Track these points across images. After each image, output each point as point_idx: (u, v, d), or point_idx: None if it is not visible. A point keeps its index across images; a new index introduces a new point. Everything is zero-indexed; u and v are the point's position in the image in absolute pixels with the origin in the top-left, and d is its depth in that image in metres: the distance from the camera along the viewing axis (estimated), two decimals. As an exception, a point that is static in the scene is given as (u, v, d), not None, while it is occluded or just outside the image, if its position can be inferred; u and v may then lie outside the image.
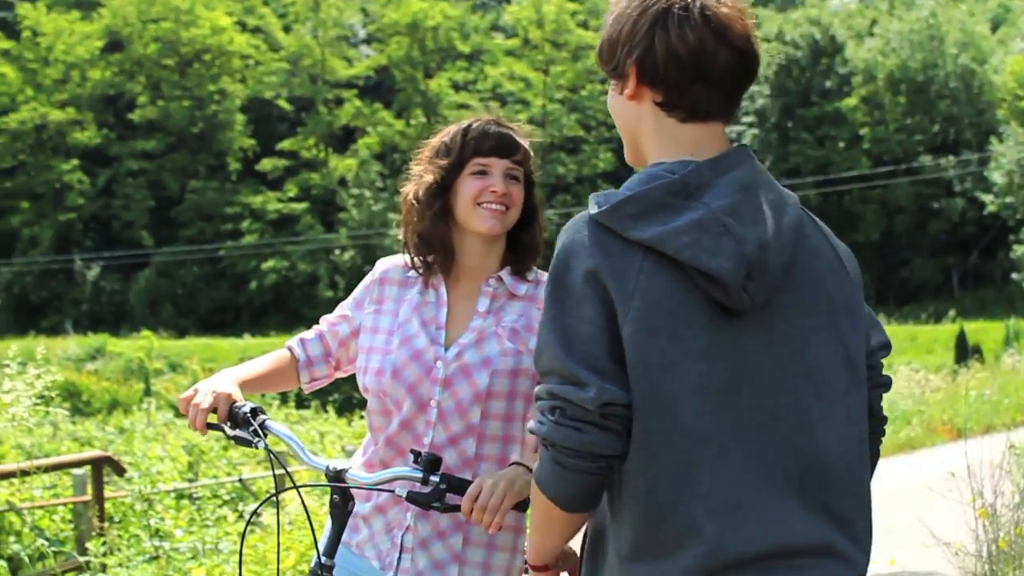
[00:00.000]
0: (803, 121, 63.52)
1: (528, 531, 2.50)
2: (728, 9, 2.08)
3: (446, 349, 2.93)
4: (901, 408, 19.41)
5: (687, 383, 1.95)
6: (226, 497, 12.28)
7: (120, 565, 6.87)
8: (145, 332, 47.65)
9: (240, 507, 10.94)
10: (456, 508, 2.67)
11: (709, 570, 1.94)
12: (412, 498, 2.73)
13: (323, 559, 2.84)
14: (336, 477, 2.85)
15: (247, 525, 3.16)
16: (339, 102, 72.01)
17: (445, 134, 3.06)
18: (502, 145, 3.03)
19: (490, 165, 2.99)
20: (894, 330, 47.23)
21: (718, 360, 1.97)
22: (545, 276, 2.72)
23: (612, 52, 2.15)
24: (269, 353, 3.33)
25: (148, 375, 41.26)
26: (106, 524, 8.17)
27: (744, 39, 2.11)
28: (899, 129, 62.09)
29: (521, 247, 3.05)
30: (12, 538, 9.60)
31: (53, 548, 7.32)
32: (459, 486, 2.69)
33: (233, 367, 3.25)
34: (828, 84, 64.07)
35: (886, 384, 2.34)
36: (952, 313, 50.03)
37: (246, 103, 71.88)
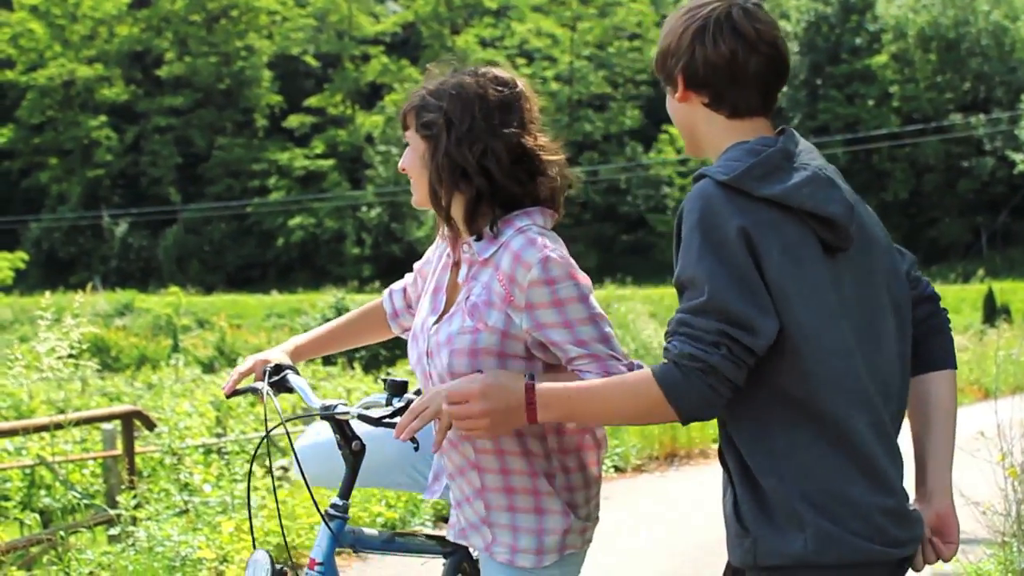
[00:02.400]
0: (832, 79, 63.04)
1: (565, 393, 2.49)
2: (757, 23, 2.49)
3: (438, 320, 2.90)
4: (929, 368, 19.34)
5: (824, 311, 2.38)
6: (252, 452, 12.38)
7: (150, 518, 6.93)
8: (173, 288, 47.83)
9: (267, 462, 11.00)
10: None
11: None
12: (362, 417, 2.89)
13: (338, 500, 3.03)
14: (326, 412, 3.01)
15: (251, 463, 3.27)
16: (366, 58, 71.88)
17: None
18: (401, 117, 2.97)
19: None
20: (922, 290, 47.08)
21: (837, 290, 2.41)
22: (516, 236, 2.72)
23: (664, 62, 2.57)
24: (366, 304, 3.41)
25: (176, 331, 41.46)
26: (135, 478, 8.25)
27: (771, 47, 2.51)
28: (929, 87, 61.57)
29: (473, 206, 2.81)
30: (43, 491, 9.73)
31: (84, 501, 7.39)
32: None
33: (313, 329, 3.43)
34: (858, 41, 63.54)
35: (930, 288, 2.73)
36: (981, 273, 49.73)
37: (273, 59, 71.85)
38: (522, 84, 2.88)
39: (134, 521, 7.04)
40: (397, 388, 2.85)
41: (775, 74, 2.54)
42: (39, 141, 68.85)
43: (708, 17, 2.48)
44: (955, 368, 2.67)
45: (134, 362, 33.93)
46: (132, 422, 8.71)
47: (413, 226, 60.64)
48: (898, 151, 60.20)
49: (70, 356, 6.73)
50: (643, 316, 29.22)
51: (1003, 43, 61.03)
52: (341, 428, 3.03)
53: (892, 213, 59.86)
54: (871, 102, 61.79)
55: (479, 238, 2.80)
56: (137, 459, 9.30)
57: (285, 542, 3.22)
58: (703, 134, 2.56)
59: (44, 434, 9.03)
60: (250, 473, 3.26)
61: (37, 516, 8.14)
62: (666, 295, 48.31)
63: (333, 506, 3.06)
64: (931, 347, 2.65)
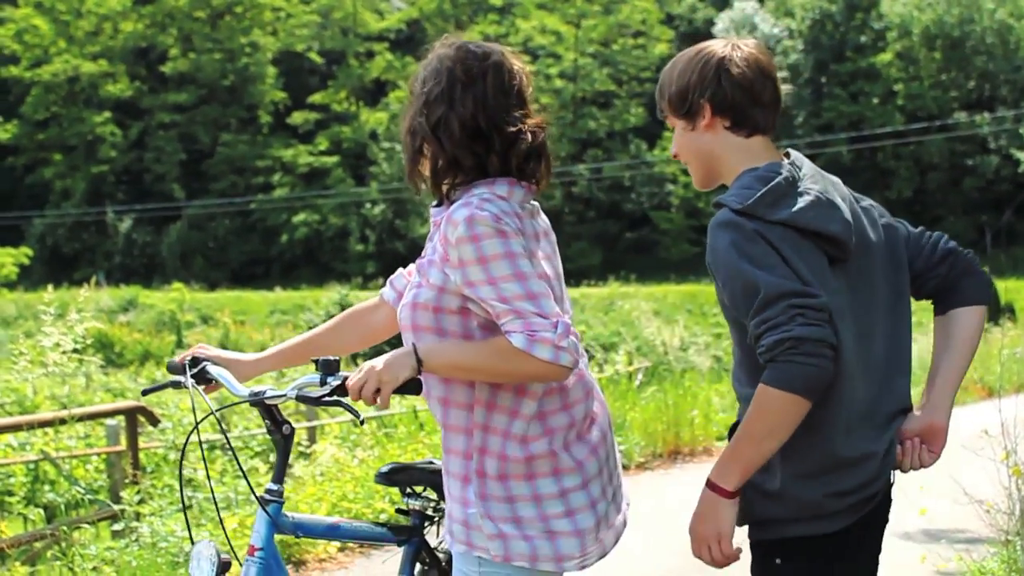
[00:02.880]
0: (837, 76, 63.02)
1: (727, 457, 2.73)
2: (763, 55, 2.94)
3: None
4: (932, 366, 19.30)
5: (841, 314, 2.73)
6: (257, 448, 12.39)
7: (153, 514, 6.94)
8: (177, 284, 47.93)
9: (271, 458, 11.02)
10: (338, 403, 2.88)
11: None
12: (300, 398, 2.96)
13: (272, 484, 3.09)
14: (256, 398, 3.08)
15: (185, 445, 3.33)
16: (370, 55, 71.92)
17: None
18: None
19: None
20: (926, 288, 47.03)
21: (840, 295, 2.76)
22: (461, 200, 2.77)
23: (683, 98, 2.90)
24: (340, 315, 3.49)
25: (180, 327, 41.52)
26: (139, 473, 8.25)
27: (774, 74, 2.95)
28: (934, 85, 61.53)
29: (434, 172, 2.90)
30: (47, 487, 9.73)
31: (88, 497, 7.40)
32: None
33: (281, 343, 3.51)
34: (862, 39, 63.50)
35: (947, 244, 3.14)
36: (985, 271, 49.66)
37: (277, 56, 71.87)
38: (497, 58, 2.89)
39: (138, 516, 7.05)
40: (330, 367, 2.90)
41: (778, 97, 2.97)
42: (43, 137, 68.91)
43: (726, 52, 2.91)
44: (985, 302, 3.06)
45: (138, 358, 33.99)
46: (136, 418, 8.71)
47: (417, 223, 60.64)
48: (902, 149, 60.17)
49: (74, 351, 6.74)
50: (647, 313, 29.25)
51: (1008, 41, 60.96)
52: (271, 413, 3.11)
53: (896, 211, 58.44)
54: (875, 100, 61.76)
55: (439, 203, 2.91)
56: (141, 455, 9.30)
57: (225, 533, 3.22)
58: (720, 158, 2.91)
59: (48, 429, 9.03)
60: (181, 464, 3.27)
61: (41, 511, 8.14)
62: (669, 292, 48.31)
63: (268, 491, 3.09)
64: (962, 287, 3.04)
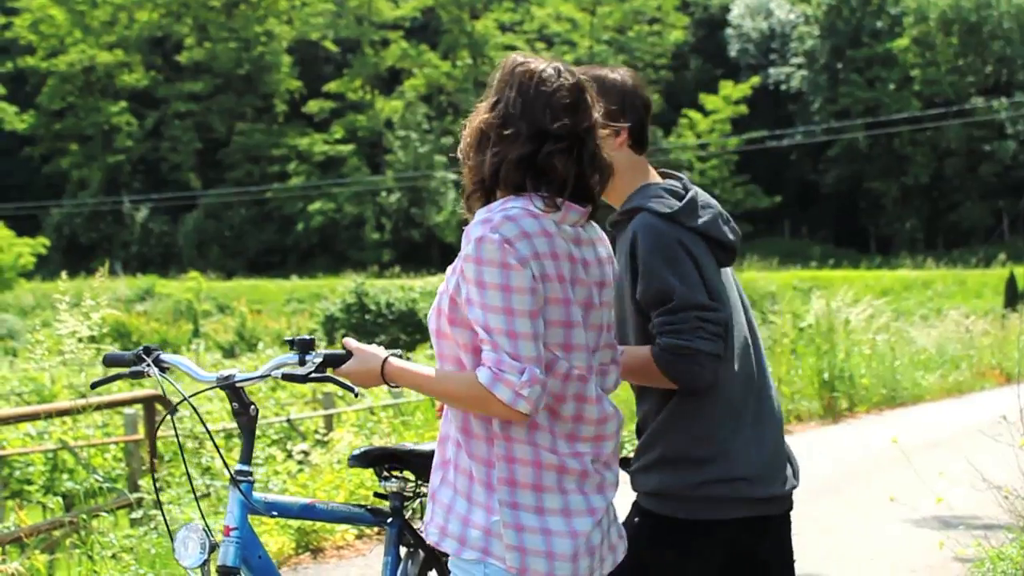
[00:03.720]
0: (853, 62, 62.78)
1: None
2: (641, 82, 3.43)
3: None
4: (950, 353, 19.29)
5: (735, 307, 3.29)
6: (274, 436, 12.43)
7: (171, 502, 6.96)
8: (193, 273, 47.98)
9: (288, 446, 11.05)
10: (328, 379, 3.02)
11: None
12: (286, 377, 3.08)
13: (241, 465, 3.17)
14: (225, 382, 3.17)
15: (152, 443, 3.32)
16: (385, 43, 71.81)
17: None
18: None
19: None
20: (943, 274, 46.90)
21: (732, 294, 3.31)
22: (480, 225, 2.74)
23: (610, 116, 3.10)
24: None
25: (197, 316, 41.62)
26: (157, 462, 8.28)
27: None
28: (951, 70, 61.27)
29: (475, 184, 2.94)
30: (66, 475, 9.78)
31: (106, 485, 7.42)
32: (335, 360, 2.99)
33: None
34: (879, 24, 63.24)
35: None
36: (1002, 257, 49.51)
37: (292, 45, 71.83)
38: (555, 66, 2.91)
39: (156, 504, 7.07)
40: (307, 346, 3.04)
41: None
42: (60, 127, 69.04)
43: (624, 78, 3.39)
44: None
45: (155, 347, 34.01)
46: (154, 406, 8.74)
47: (433, 211, 60.66)
48: (919, 135, 59.94)
49: (91, 339, 6.75)
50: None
51: (1026, 26, 60.67)
52: (238, 396, 3.20)
53: (913, 197, 59.61)
54: (892, 86, 61.50)
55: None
56: (158, 443, 9.34)
57: (203, 518, 3.26)
58: (623, 174, 3.25)
59: (66, 418, 9.08)
60: (152, 453, 3.31)
61: (60, 500, 8.18)
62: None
63: (238, 472, 3.15)
64: None
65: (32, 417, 8.49)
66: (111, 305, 7.72)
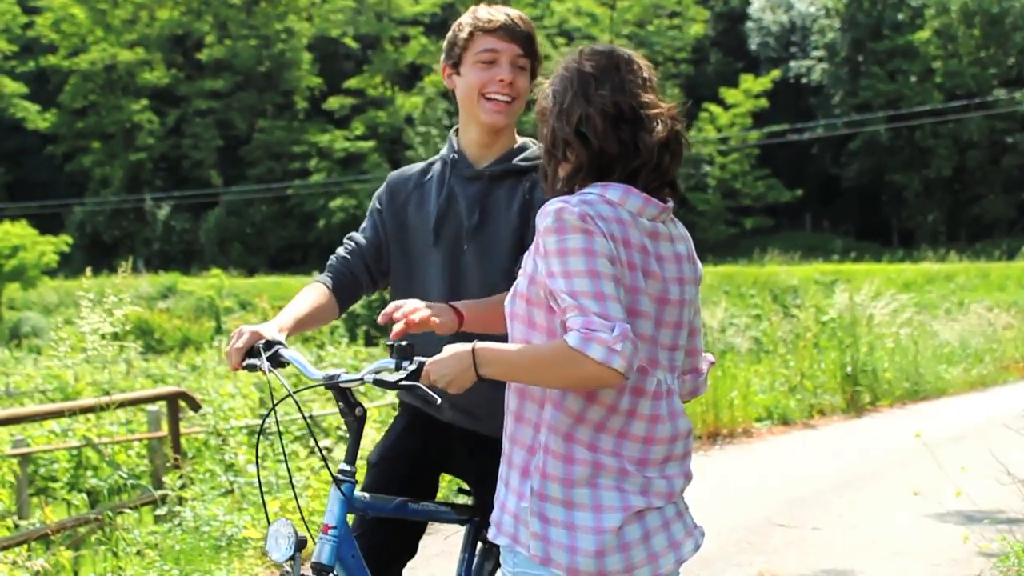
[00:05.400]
0: (874, 55, 62.52)
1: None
2: None
3: None
4: (973, 346, 19.21)
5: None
6: (297, 433, 12.44)
7: (195, 499, 6.99)
8: (215, 270, 48.15)
9: (311, 443, 11.06)
10: (414, 388, 2.87)
11: None
12: (377, 382, 2.99)
13: (345, 465, 3.13)
14: (330, 381, 3.12)
15: (258, 436, 3.32)
16: (405, 39, 71.87)
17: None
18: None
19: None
20: (965, 267, 46.65)
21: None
22: (557, 201, 2.75)
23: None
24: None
25: (219, 313, 41.75)
26: (181, 459, 8.31)
27: None
28: (972, 62, 60.95)
29: (571, 176, 2.92)
30: (90, 472, 9.82)
31: (130, 482, 7.46)
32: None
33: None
34: (900, 17, 62.97)
35: None
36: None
37: (312, 41, 71.95)
38: (622, 51, 2.95)
39: (180, 501, 7.10)
40: (405, 352, 2.92)
41: None
42: (82, 125, 69.33)
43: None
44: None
45: (178, 344, 34.20)
46: (177, 403, 8.77)
47: (453, 207, 60.56)
48: (941, 127, 59.65)
49: (113, 336, 6.78)
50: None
51: (1048, 17, 60.33)
52: (344, 396, 3.13)
53: (936, 190, 59.35)
54: (913, 78, 61.21)
55: None
56: (182, 440, 9.37)
57: (301, 513, 3.27)
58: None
59: (90, 416, 9.10)
60: (257, 446, 3.32)
61: (84, 497, 8.22)
62: (707, 273, 47.95)
63: (341, 471, 3.13)
64: None
65: (56, 414, 8.52)
66: (134, 302, 7.74)
